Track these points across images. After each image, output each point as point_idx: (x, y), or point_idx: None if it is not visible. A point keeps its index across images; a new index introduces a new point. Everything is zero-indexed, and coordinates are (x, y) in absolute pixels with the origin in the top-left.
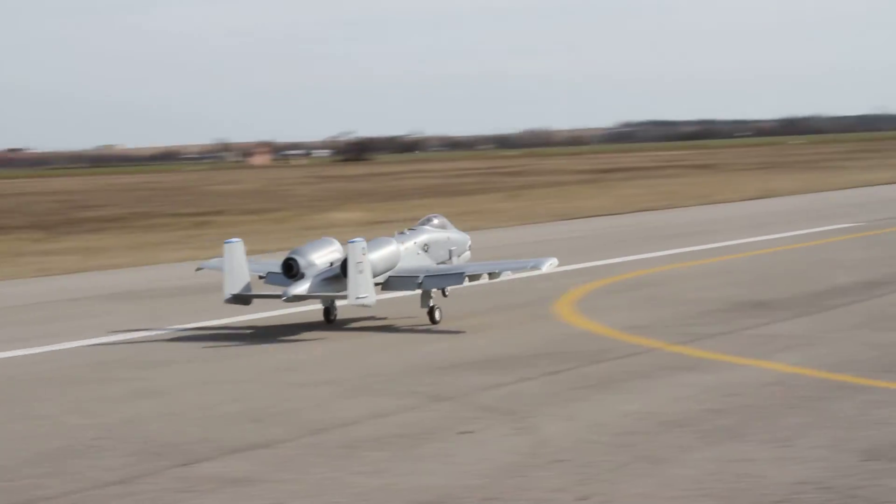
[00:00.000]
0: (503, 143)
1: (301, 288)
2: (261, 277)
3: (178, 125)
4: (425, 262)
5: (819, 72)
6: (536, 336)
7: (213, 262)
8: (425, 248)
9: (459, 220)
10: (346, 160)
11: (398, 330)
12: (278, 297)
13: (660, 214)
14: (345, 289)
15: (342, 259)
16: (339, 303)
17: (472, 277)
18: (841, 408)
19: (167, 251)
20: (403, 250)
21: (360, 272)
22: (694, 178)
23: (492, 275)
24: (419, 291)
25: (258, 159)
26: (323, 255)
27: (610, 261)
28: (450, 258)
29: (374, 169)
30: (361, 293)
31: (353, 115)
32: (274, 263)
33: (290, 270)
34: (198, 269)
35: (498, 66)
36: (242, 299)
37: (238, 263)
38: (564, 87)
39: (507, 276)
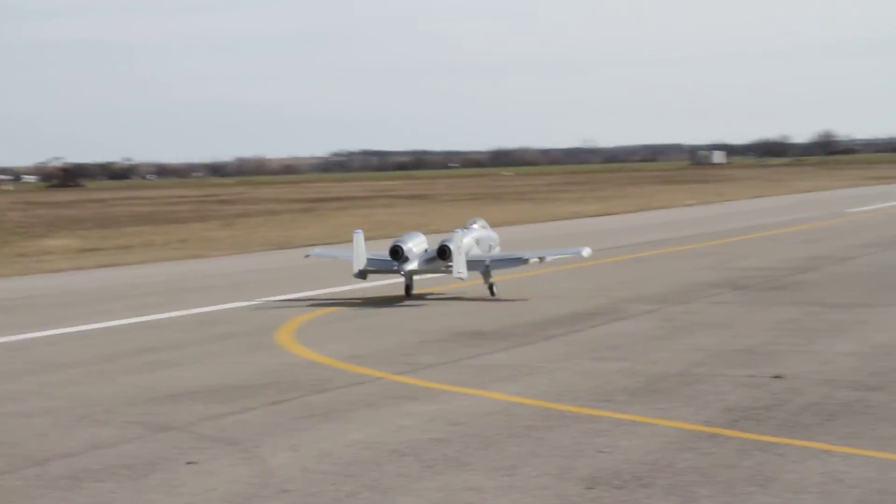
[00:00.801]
0: (216, 170)
1: (412, 266)
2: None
3: None
4: (480, 252)
5: (527, 105)
6: (258, 366)
7: (318, 250)
8: (478, 241)
9: (174, 249)
10: (55, 186)
11: (113, 359)
12: (395, 272)
13: (373, 244)
14: (439, 268)
15: (437, 245)
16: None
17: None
18: (563, 436)
19: None
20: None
21: (460, 255)
22: (407, 209)
23: (541, 259)
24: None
25: None
26: (417, 244)
27: (328, 290)
28: (490, 250)
29: (86, 195)
30: (461, 270)
31: (62, 141)
32: (379, 253)
33: (398, 254)
34: (306, 256)
35: (210, 93)
36: (364, 274)
37: (360, 248)
38: (277, 115)
39: (550, 259)
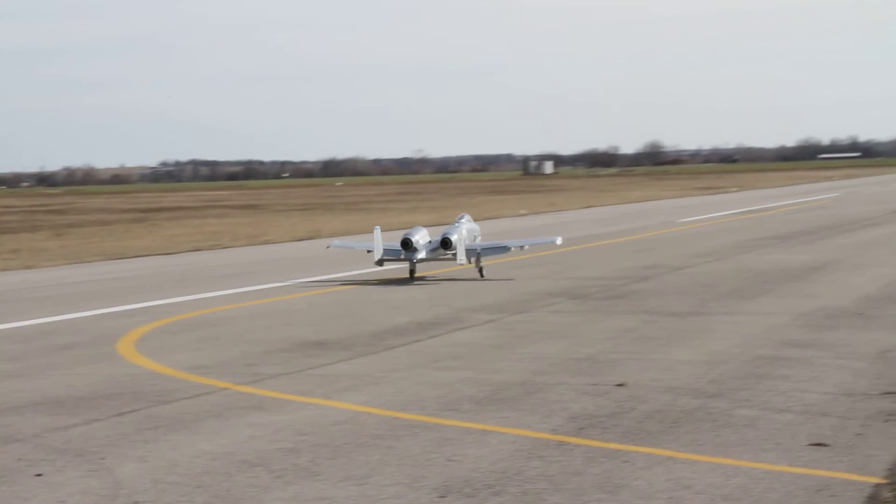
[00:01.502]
0: (44, 180)
1: (420, 255)
2: (368, 251)
3: None
4: (469, 242)
5: (358, 116)
6: (101, 376)
7: (337, 242)
8: (467, 233)
9: (6, 260)
10: None
11: None
12: (405, 260)
13: (209, 254)
14: (440, 256)
15: (440, 238)
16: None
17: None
18: (412, 445)
19: None
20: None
21: (461, 245)
22: (239, 219)
23: (522, 248)
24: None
25: None
26: (422, 237)
27: (166, 301)
28: (474, 240)
29: None
30: (462, 258)
31: None
32: (393, 242)
33: (408, 246)
34: (328, 247)
35: (36, 101)
36: (382, 262)
37: (378, 240)
38: (105, 123)
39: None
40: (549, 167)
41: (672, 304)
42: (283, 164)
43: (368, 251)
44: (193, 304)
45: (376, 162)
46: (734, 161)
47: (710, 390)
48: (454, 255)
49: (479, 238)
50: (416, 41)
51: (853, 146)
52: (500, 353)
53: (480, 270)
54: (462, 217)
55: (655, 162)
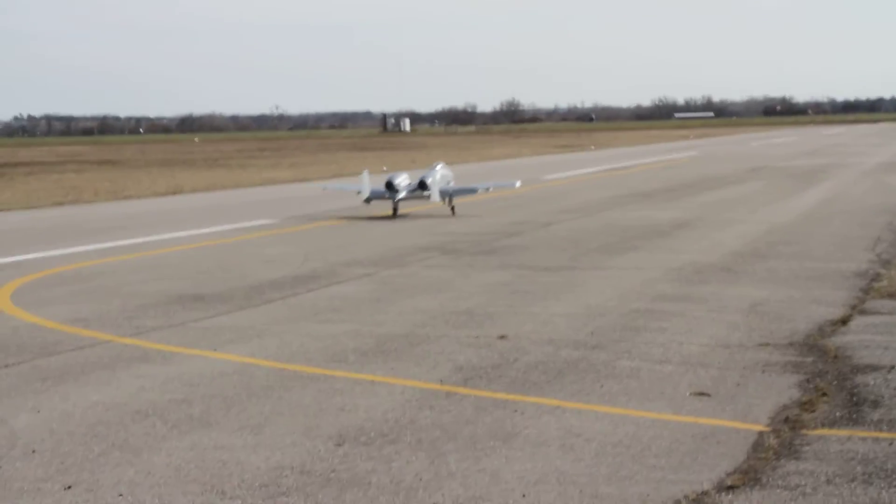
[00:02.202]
0: None
1: (401, 195)
2: (357, 193)
3: None
4: (443, 185)
5: (215, 71)
6: None
7: (330, 185)
8: (441, 178)
9: None
10: None
11: None
12: (390, 199)
13: (73, 209)
14: (419, 195)
15: (417, 180)
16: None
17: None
18: (302, 396)
19: None
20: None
21: (435, 187)
22: (97, 174)
23: (487, 189)
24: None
25: None
26: (403, 179)
27: (39, 255)
28: (448, 184)
29: None
30: (436, 197)
31: None
32: (378, 184)
33: (391, 187)
34: (323, 189)
35: None
36: (369, 200)
37: (366, 182)
38: None
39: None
40: (407, 125)
41: (544, 258)
42: (140, 119)
43: (358, 192)
44: (64, 259)
45: (234, 118)
46: (591, 120)
47: (591, 342)
48: (429, 195)
49: (452, 182)
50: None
51: (707, 106)
52: (380, 306)
53: (452, 209)
54: (437, 164)
55: (513, 120)
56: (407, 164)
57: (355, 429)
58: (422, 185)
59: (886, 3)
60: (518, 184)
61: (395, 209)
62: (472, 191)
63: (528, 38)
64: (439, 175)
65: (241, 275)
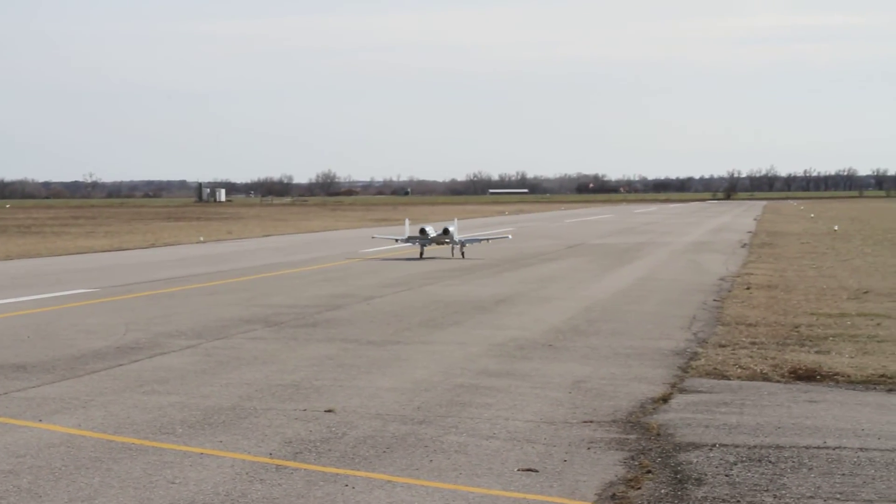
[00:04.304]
0: None
1: (430, 236)
2: (396, 240)
3: None
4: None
5: (26, 137)
6: None
7: (379, 231)
8: (455, 228)
9: None
10: None
11: None
12: (421, 243)
13: None
14: (442, 241)
15: (442, 229)
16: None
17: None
18: (132, 468)
19: None
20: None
21: (456, 235)
22: None
23: (489, 240)
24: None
25: None
26: (432, 229)
27: None
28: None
29: None
30: (456, 243)
31: None
32: (412, 231)
33: (424, 233)
34: (373, 238)
35: None
36: (408, 240)
37: (407, 228)
38: None
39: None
40: (223, 195)
41: (368, 332)
42: None
43: (396, 240)
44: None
45: (46, 185)
46: (406, 193)
47: (418, 417)
48: (449, 241)
49: (458, 235)
50: (78, 62)
51: (522, 182)
52: (206, 378)
53: (462, 254)
54: (454, 220)
55: (329, 192)
56: (223, 235)
57: (187, 502)
58: (445, 232)
59: (692, 87)
60: (510, 236)
61: (421, 252)
62: (479, 241)
63: (344, 110)
64: (454, 226)
65: (63, 344)
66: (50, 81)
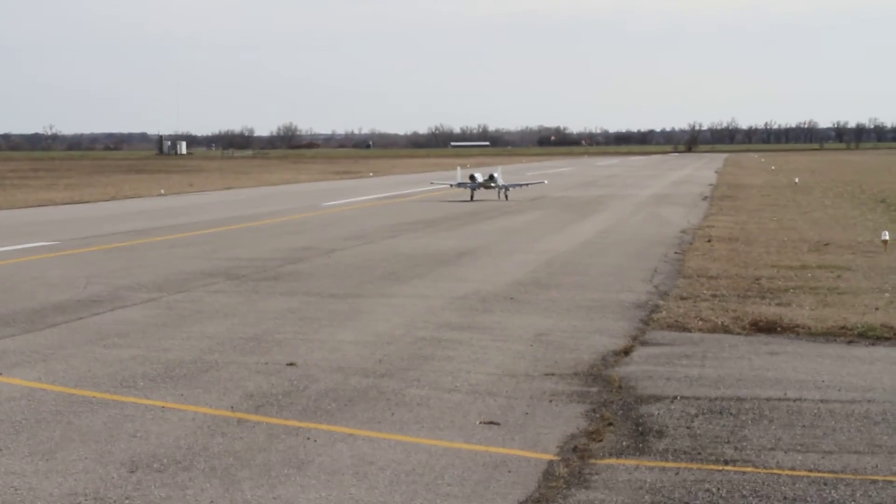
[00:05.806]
0: None
1: (477, 182)
2: (450, 185)
3: None
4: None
5: None
6: None
7: (436, 176)
8: (500, 174)
9: None
10: None
11: None
12: (471, 187)
13: None
14: (489, 185)
15: (488, 174)
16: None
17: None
18: (93, 422)
19: None
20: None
21: (500, 179)
22: None
23: (531, 185)
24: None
25: None
26: (481, 174)
27: None
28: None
29: None
30: (502, 187)
31: None
32: (463, 177)
33: (473, 178)
34: (431, 183)
35: None
36: (459, 185)
37: (459, 175)
38: None
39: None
40: (184, 147)
41: (329, 285)
42: None
43: (451, 185)
44: None
45: (5, 137)
46: (368, 146)
47: (380, 370)
48: (495, 185)
49: (501, 180)
50: (46, 15)
51: (483, 135)
52: (167, 331)
53: (506, 196)
54: (496, 168)
55: (290, 145)
56: (184, 188)
57: (148, 455)
58: (490, 178)
59: (659, 42)
60: (546, 181)
61: (472, 195)
62: (519, 185)
63: (306, 61)
64: (499, 171)
65: (23, 297)
66: (10, 32)
